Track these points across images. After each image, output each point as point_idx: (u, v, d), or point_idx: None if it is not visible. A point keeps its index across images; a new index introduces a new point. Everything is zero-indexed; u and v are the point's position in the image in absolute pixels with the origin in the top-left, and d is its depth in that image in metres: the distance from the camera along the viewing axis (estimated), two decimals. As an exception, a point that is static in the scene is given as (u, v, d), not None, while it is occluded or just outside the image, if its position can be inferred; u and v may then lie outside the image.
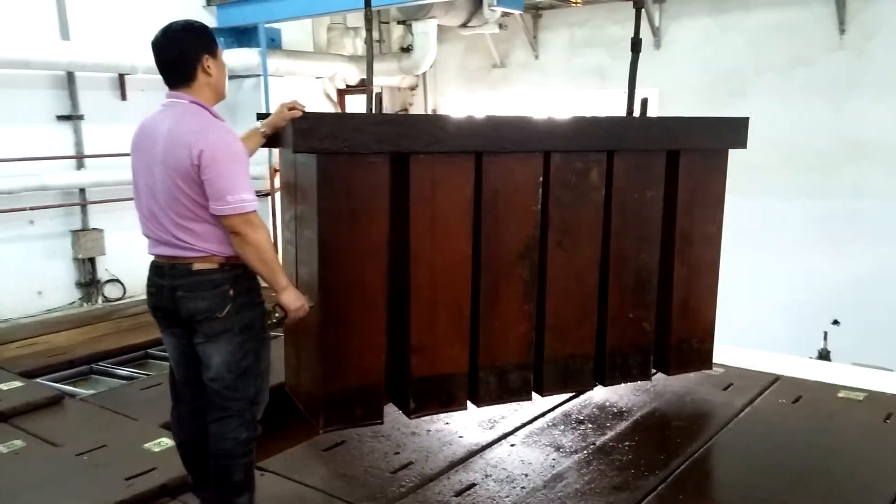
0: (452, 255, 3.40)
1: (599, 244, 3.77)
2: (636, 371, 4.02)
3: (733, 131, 4.06)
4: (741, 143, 4.08)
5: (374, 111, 3.42)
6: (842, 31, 7.45)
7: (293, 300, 2.72)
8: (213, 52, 2.71)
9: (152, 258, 2.77)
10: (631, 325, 3.95)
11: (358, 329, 3.20)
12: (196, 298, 2.64)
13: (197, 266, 2.65)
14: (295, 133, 2.94)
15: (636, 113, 3.91)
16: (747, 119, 4.06)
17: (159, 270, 2.72)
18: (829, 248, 7.70)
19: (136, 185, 2.75)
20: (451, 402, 3.53)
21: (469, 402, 3.55)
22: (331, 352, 3.15)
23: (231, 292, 2.66)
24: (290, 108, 2.93)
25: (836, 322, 7.49)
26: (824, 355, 6.88)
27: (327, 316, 3.13)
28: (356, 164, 3.10)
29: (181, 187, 2.57)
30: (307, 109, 2.95)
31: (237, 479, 2.76)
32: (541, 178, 3.54)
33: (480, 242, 3.46)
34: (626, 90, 3.94)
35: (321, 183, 3.04)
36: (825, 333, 7.10)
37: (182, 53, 2.67)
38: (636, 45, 3.94)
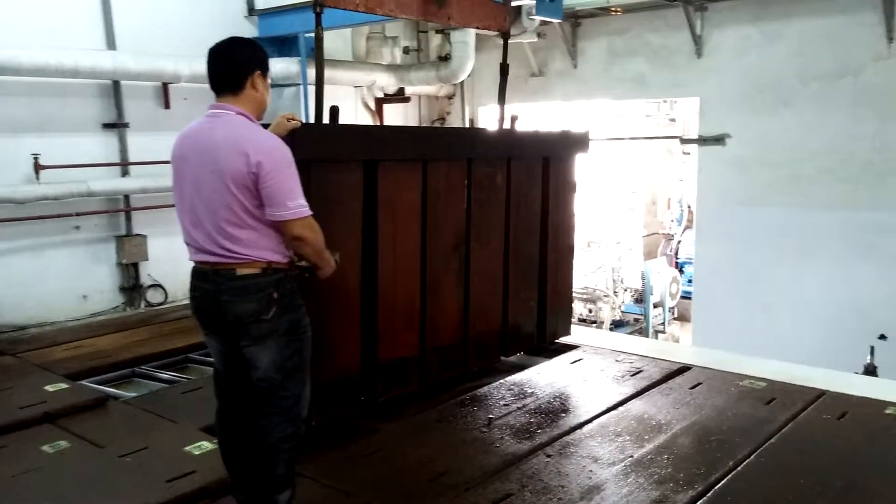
0: (408, 250, 3.97)
1: (503, 236, 4.52)
2: (526, 342, 4.91)
3: (582, 141, 5.02)
4: (586, 149, 5.05)
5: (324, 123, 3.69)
6: (890, 40, 7.28)
7: (329, 273, 2.97)
8: (264, 71, 2.87)
9: (193, 264, 2.83)
10: (523, 303, 4.76)
11: (339, 323, 3.51)
12: (243, 302, 2.72)
13: (241, 271, 2.72)
14: (296, 142, 3.13)
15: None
16: (588, 131, 5.10)
17: (203, 276, 2.78)
18: (876, 261, 7.50)
19: (180, 194, 2.81)
20: (407, 384, 4.10)
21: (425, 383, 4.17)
22: (320, 346, 3.33)
23: (275, 295, 2.75)
24: (290, 119, 3.10)
25: (883, 337, 7.28)
26: (871, 370, 6.69)
27: (319, 314, 3.40)
28: (339, 171, 3.38)
29: (234, 194, 2.65)
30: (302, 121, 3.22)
31: (279, 474, 2.83)
32: (466, 181, 4.19)
33: (426, 237, 4.03)
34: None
35: (314, 188, 3.32)
36: (872, 348, 6.90)
37: (238, 63, 2.81)
38: (504, 69, 4.64)
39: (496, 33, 8.58)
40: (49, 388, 4.49)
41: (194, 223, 2.75)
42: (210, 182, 2.68)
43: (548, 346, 5.27)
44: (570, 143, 5.00)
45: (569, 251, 5.14)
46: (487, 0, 4.46)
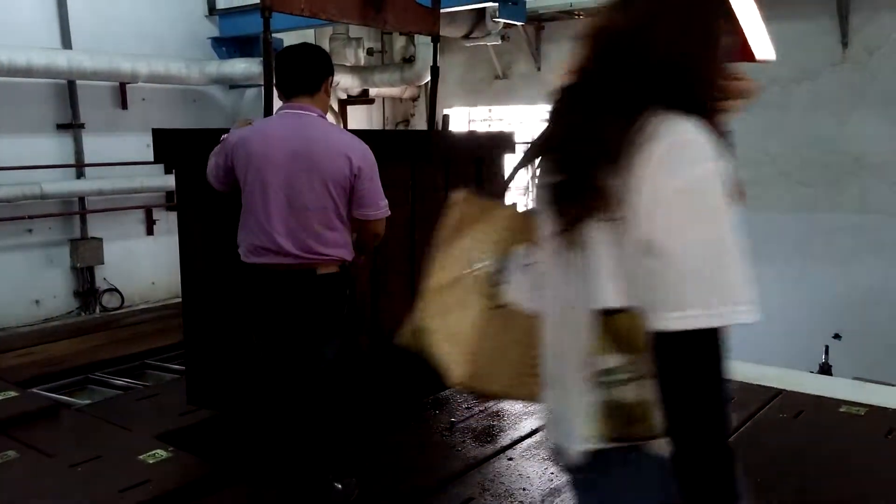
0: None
1: None
2: None
3: (508, 141, 5.21)
4: (513, 150, 5.21)
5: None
6: (844, 45, 7.44)
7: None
8: (332, 76, 2.99)
9: (251, 263, 2.86)
10: None
11: None
12: (324, 301, 2.83)
13: (321, 271, 2.81)
14: None
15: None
16: (513, 132, 5.31)
17: (273, 275, 2.81)
18: (831, 262, 7.66)
19: (261, 195, 2.78)
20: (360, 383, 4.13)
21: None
22: None
23: (347, 292, 2.91)
24: (250, 124, 3.14)
25: (837, 336, 7.44)
26: (826, 369, 6.83)
27: None
28: None
29: (332, 196, 2.75)
30: None
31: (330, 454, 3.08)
32: (410, 182, 4.29)
33: None
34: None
35: None
36: (826, 347, 7.05)
37: (317, 67, 2.92)
38: (435, 71, 4.83)
39: (460, 37, 8.66)
40: (-2, 396, 4.36)
41: (278, 223, 2.76)
42: (304, 184, 2.73)
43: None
44: (498, 144, 5.22)
45: None
46: (418, 5, 4.65)
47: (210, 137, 3.23)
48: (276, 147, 2.77)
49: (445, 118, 4.90)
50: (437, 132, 4.93)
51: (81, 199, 7.14)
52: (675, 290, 1.15)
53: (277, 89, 2.96)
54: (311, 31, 9.16)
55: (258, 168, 2.78)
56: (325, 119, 2.92)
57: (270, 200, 2.76)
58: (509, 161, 5.34)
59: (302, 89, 2.87)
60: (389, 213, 2.96)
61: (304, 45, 3.02)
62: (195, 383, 3.95)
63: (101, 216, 7.25)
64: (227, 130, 3.17)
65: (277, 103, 3.19)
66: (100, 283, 7.30)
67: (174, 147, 3.81)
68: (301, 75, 2.88)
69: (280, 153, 2.76)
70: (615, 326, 1.23)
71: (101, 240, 7.20)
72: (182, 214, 3.93)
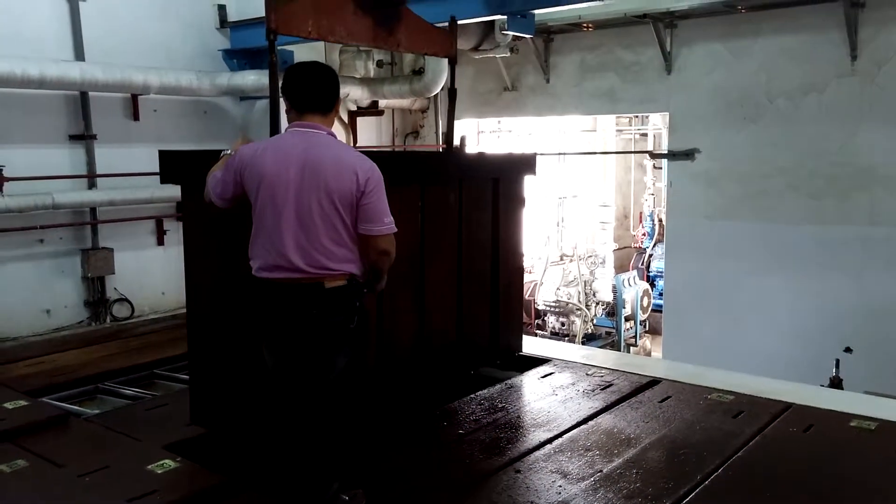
0: None
1: (456, 254, 4.67)
2: (481, 357, 5.00)
3: (530, 163, 5.19)
4: (533, 171, 5.18)
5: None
6: (853, 58, 7.44)
7: (382, 288, 3.23)
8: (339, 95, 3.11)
9: (261, 278, 2.92)
10: (477, 318, 4.91)
11: None
12: (334, 314, 2.88)
13: (329, 284, 2.86)
14: None
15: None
16: (535, 154, 5.32)
17: (285, 290, 2.87)
18: (841, 275, 7.62)
19: (272, 211, 2.85)
20: (368, 399, 4.09)
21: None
22: None
23: (357, 304, 2.95)
24: (249, 141, 3.21)
25: (848, 350, 7.39)
26: (836, 383, 6.78)
27: None
28: None
29: (340, 213, 2.82)
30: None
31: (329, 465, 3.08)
32: (420, 203, 4.29)
33: None
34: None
35: None
36: (837, 361, 7.00)
37: (332, 86, 3.03)
38: (452, 93, 4.78)
39: (468, 49, 8.71)
40: (8, 405, 4.37)
41: (283, 240, 2.82)
42: (314, 200, 2.80)
43: (506, 360, 5.27)
44: (517, 165, 5.16)
45: (518, 269, 5.30)
46: (434, 27, 4.57)
47: (215, 158, 3.24)
48: (287, 165, 2.84)
49: (462, 139, 4.91)
50: (451, 151, 4.88)
51: (93, 210, 7.18)
52: None
53: (290, 103, 3.01)
54: (321, 44, 9.23)
55: (270, 185, 2.84)
56: (335, 136, 2.99)
57: (281, 218, 2.83)
58: (529, 182, 5.23)
59: (317, 107, 2.98)
60: (396, 229, 2.96)
61: (317, 65, 3.10)
62: (198, 402, 3.95)
63: (112, 226, 7.29)
64: (226, 147, 3.23)
65: (283, 121, 3.23)
66: (110, 293, 7.33)
67: (180, 168, 3.84)
68: (318, 95, 2.99)
69: (290, 171, 2.83)
70: None
71: (111, 250, 7.24)
72: (188, 235, 3.94)
